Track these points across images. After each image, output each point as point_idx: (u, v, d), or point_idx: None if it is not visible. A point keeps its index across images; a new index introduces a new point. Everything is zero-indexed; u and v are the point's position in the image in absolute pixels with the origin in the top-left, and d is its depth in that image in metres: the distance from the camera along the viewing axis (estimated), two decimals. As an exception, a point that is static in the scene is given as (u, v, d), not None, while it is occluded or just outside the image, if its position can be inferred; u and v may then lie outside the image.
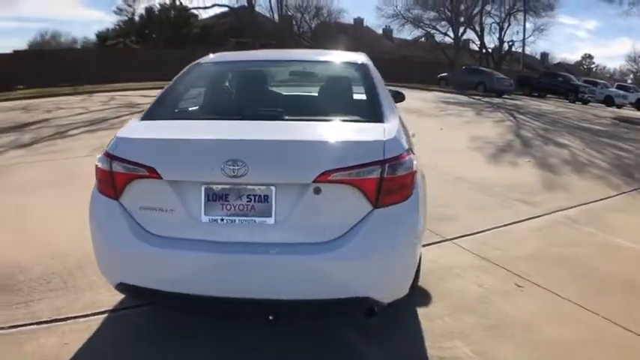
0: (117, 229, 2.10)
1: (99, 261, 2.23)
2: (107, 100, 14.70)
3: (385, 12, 34.57)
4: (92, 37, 34.88)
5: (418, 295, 2.86)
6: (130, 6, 31.86)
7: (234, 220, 2.03)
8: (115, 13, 31.91)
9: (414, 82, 24.53)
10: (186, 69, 2.95)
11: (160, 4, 29.84)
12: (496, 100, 19.81)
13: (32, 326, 2.51)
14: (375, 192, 2.01)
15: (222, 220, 2.03)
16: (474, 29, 33.80)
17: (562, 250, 3.65)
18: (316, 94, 2.91)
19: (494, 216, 4.42)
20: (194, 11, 31.62)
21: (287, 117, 2.39)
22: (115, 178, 2.11)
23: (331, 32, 36.62)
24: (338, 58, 3.08)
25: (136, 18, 32.63)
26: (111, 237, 2.13)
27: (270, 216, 2.02)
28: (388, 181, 2.02)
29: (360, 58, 3.08)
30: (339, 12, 39.22)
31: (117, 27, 33.07)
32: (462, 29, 31.32)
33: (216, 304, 2.07)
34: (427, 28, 34.19)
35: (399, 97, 4.58)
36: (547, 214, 4.55)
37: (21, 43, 55.66)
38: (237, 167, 1.96)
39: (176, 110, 2.56)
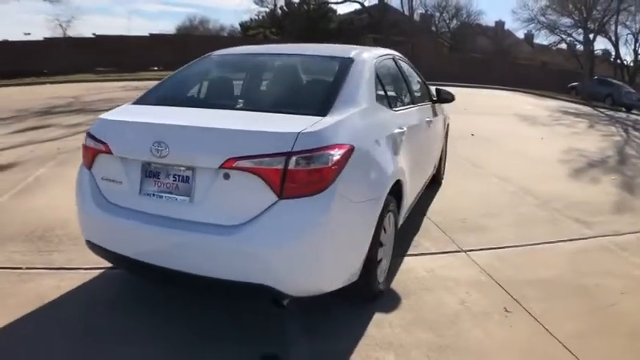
0: (85, 194, 2.46)
1: (78, 219, 2.56)
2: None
3: (521, 16, 32.25)
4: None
5: (388, 301, 2.76)
6: None
7: (162, 196, 2.23)
8: (256, 3, 33.26)
9: (548, 90, 23.24)
10: (195, 60, 3.16)
11: None
12: (619, 115, 17.84)
13: (43, 270, 2.97)
14: (279, 183, 2.03)
15: (153, 195, 2.25)
16: (609, 39, 29.98)
17: (585, 280, 3.16)
18: (282, 87, 2.91)
19: (533, 232, 3.97)
20: (332, 6, 32.31)
21: (238, 107, 2.49)
22: (87, 152, 2.44)
23: (470, 34, 35.27)
24: (330, 52, 3.01)
25: (278, 10, 33.83)
26: (81, 200, 2.49)
27: (189, 196, 2.18)
28: (294, 173, 2.03)
29: (356, 53, 2.96)
30: (478, 13, 37.70)
31: (258, 18, 34.67)
32: (592, 36, 27.86)
33: (147, 269, 2.28)
34: (562, 35, 31.24)
35: (441, 98, 4.35)
36: (596, 236, 3.95)
37: (170, 27, 61.42)
38: (161, 149, 2.17)
39: (159, 97, 2.76)
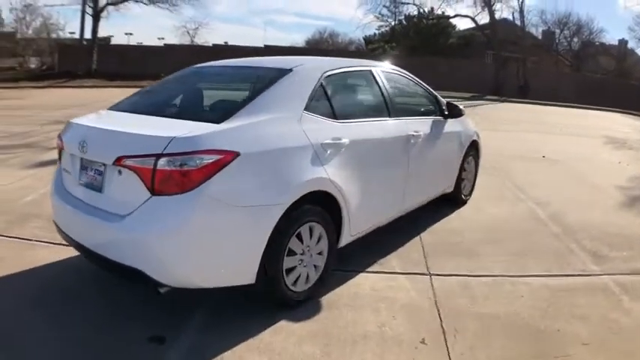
0: (54, 182, 2.93)
1: None
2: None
3: (638, 34, 27.97)
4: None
5: (304, 311, 2.71)
6: (392, 12, 33.05)
7: (87, 186, 2.55)
8: (377, 18, 33.35)
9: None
10: (177, 72, 3.47)
11: (419, 11, 30.29)
12: None
13: (46, 243, 3.52)
14: (151, 180, 2.21)
15: (84, 185, 2.58)
16: None
17: (547, 322, 2.69)
18: (207, 97, 2.99)
19: (527, 264, 3.51)
20: (452, 21, 31.47)
21: (163, 114, 2.68)
22: (57, 148, 2.93)
23: (592, 52, 31.99)
24: (279, 65, 3.05)
25: (399, 23, 33.43)
26: (51, 187, 2.95)
27: (101, 187, 2.46)
28: (161, 172, 2.19)
29: (299, 65, 2.96)
30: (599, 31, 33.88)
31: (379, 32, 34.61)
32: None
33: (81, 249, 2.60)
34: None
35: (452, 113, 4.11)
36: (600, 274, 3.33)
37: (300, 39, 63.40)
38: (84, 147, 2.50)
39: (125, 104, 3.08)
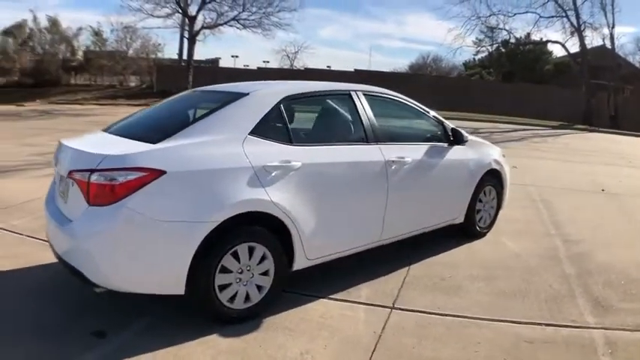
0: (48, 192, 3.23)
1: None
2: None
3: None
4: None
5: (243, 327, 2.72)
6: (489, 37, 31.78)
7: (61, 195, 2.84)
8: (475, 43, 32.34)
9: None
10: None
11: (510, 37, 28.86)
12: None
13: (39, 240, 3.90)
14: (86, 192, 2.44)
15: (60, 195, 2.87)
16: None
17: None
18: (164, 120, 3.13)
19: (511, 307, 3.13)
20: (549, 47, 29.55)
21: (127, 135, 2.88)
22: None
23: None
24: (240, 89, 3.13)
25: (496, 49, 32.07)
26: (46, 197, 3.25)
27: (66, 197, 2.71)
28: (93, 185, 2.41)
29: (257, 90, 3.04)
30: None
31: (477, 57, 33.44)
32: None
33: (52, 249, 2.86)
34: None
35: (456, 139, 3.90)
36: (591, 327, 2.85)
37: (404, 64, 62.74)
38: (57, 161, 2.84)
39: (113, 125, 3.38)
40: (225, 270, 2.67)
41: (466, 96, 24.33)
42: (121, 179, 2.39)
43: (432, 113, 4.09)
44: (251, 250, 2.76)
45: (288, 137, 2.99)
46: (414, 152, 3.68)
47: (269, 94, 3.07)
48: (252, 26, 25.74)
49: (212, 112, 2.84)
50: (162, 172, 2.45)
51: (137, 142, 2.66)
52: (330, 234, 3.13)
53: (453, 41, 29.15)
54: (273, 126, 2.96)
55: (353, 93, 3.50)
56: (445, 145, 4.02)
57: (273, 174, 2.79)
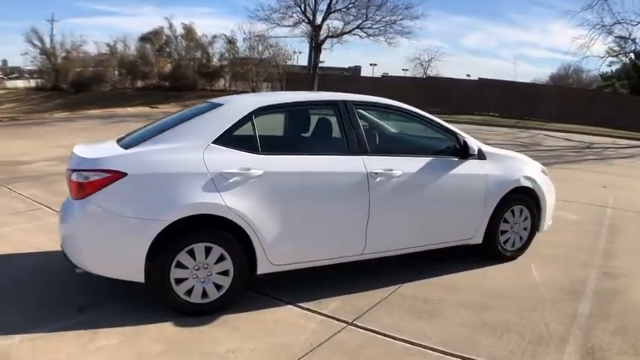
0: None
1: None
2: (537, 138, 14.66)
3: None
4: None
5: (176, 316, 2.90)
6: (620, 47, 27.47)
7: None
8: (609, 54, 28.17)
9: None
10: None
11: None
12: None
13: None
14: (70, 188, 2.90)
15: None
16: None
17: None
18: (152, 129, 3.37)
19: (481, 341, 2.81)
20: None
21: (120, 142, 3.25)
22: None
23: None
24: (226, 99, 3.30)
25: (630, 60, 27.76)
26: None
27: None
28: (72, 183, 2.87)
29: (233, 100, 3.23)
30: None
31: (612, 69, 29.66)
32: None
33: None
34: None
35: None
36: None
37: (545, 74, 58.00)
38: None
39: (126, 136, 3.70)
40: (180, 265, 2.90)
41: (588, 109, 21.13)
42: (91, 178, 2.78)
43: (445, 125, 3.79)
44: (208, 250, 2.95)
45: (255, 146, 3.09)
46: (408, 165, 3.48)
47: (241, 105, 3.22)
48: (375, 35, 25.88)
49: (185, 121, 3.11)
50: (124, 174, 2.78)
51: (119, 148, 3.05)
52: (298, 242, 3.16)
53: (578, 50, 25.75)
54: (241, 135, 3.10)
55: (340, 103, 3.45)
56: (454, 158, 3.69)
57: (230, 180, 2.94)
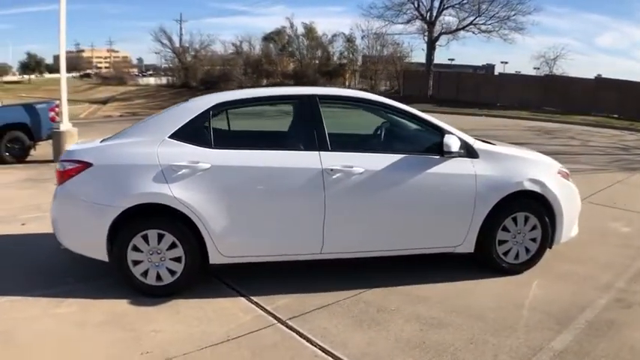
0: None
1: None
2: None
3: None
4: None
5: (131, 295, 3.15)
6: None
7: None
8: None
9: None
10: None
11: None
12: None
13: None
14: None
15: None
16: None
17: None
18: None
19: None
20: None
21: (107, 138, 3.62)
22: None
23: None
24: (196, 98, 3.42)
25: None
26: None
27: None
28: (57, 171, 3.26)
29: (198, 99, 3.31)
30: None
31: None
32: None
33: None
34: None
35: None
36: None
37: None
38: None
39: None
40: (136, 249, 3.14)
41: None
42: (66, 167, 3.17)
43: (427, 119, 3.39)
44: (160, 237, 3.14)
45: (208, 141, 3.17)
46: (373, 162, 3.21)
47: (201, 101, 3.32)
48: (489, 31, 24.22)
49: (153, 116, 3.32)
50: (89, 164, 3.11)
51: (96, 142, 3.40)
52: (247, 236, 3.17)
53: None
54: (196, 130, 3.20)
55: (303, 97, 3.32)
56: (435, 156, 3.27)
57: (179, 172, 3.07)
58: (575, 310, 2.96)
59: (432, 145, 3.33)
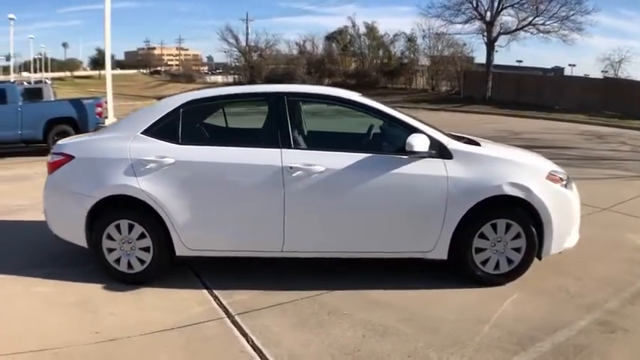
0: None
1: None
2: None
3: None
4: None
5: (104, 280, 3.31)
6: None
7: None
8: None
9: None
10: None
11: None
12: None
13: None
14: None
15: None
16: None
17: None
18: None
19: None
20: None
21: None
22: None
23: None
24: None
25: None
26: None
27: None
28: (47, 162, 3.50)
29: (170, 96, 3.39)
30: None
31: None
32: None
33: None
34: None
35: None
36: None
37: None
38: None
39: None
40: (110, 237, 3.30)
41: None
42: (54, 159, 3.41)
43: (400, 118, 3.19)
44: (131, 227, 3.27)
45: (177, 137, 3.24)
46: (335, 161, 3.08)
47: (174, 99, 3.40)
48: (547, 31, 22.59)
49: (132, 113, 3.47)
50: (72, 157, 3.32)
51: (84, 136, 3.62)
52: (208, 229, 3.21)
53: None
54: (166, 127, 3.28)
55: (272, 95, 3.28)
56: (402, 156, 3.06)
57: (147, 167, 3.18)
58: (546, 330, 2.61)
59: (402, 144, 3.12)
